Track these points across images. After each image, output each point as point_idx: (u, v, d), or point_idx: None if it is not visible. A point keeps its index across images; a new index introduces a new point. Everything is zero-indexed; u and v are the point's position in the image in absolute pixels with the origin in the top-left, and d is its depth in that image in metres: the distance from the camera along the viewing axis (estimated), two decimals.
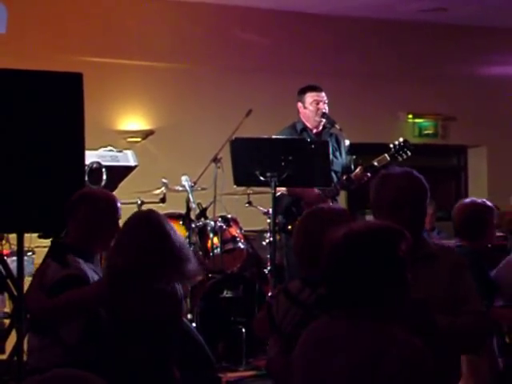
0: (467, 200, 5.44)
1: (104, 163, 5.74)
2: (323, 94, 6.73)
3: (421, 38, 9.94)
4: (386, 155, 6.60)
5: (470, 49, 10.07)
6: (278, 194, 6.36)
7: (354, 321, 2.69)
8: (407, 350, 2.59)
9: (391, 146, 6.63)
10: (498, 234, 6.94)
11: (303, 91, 6.77)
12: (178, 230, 6.69)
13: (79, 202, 4.10)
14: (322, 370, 2.71)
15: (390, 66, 9.72)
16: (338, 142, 6.79)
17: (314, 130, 6.74)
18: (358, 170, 6.60)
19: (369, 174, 6.58)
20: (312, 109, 6.69)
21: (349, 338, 2.69)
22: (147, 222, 3.95)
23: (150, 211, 4.16)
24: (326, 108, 6.70)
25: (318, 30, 9.50)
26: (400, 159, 6.67)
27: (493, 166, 10.38)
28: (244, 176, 6.15)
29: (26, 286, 5.13)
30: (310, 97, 6.72)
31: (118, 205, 4.19)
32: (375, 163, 6.58)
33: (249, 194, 7.08)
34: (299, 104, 6.77)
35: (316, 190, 6.55)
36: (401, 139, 6.68)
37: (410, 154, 6.65)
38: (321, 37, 9.50)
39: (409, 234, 2.75)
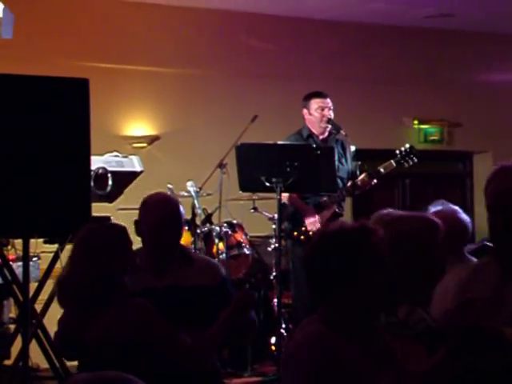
0: None
1: (110, 169, 5.74)
2: (328, 100, 6.74)
3: (427, 44, 9.94)
4: (392, 161, 6.61)
5: (476, 55, 10.07)
6: (283, 200, 6.37)
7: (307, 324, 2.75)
8: (298, 341, 2.65)
9: (397, 152, 6.63)
10: None
11: (308, 98, 6.78)
12: (184, 236, 6.74)
13: None
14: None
15: (396, 72, 9.72)
16: (344, 148, 6.79)
17: (320, 137, 6.75)
18: (363, 175, 6.60)
19: (375, 180, 6.59)
20: (317, 115, 6.70)
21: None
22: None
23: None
24: (332, 114, 6.70)
25: (324, 36, 9.51)
26: (406, 165, 6.67)
27: None
28: (249, 182, 6.16)
29: (31, 292, 5.14)
30: (315, 103, 6.73)
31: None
32: (381, 169, 6.59)
33: (254, 200, 7.08)
34: (304, 110, 6.78)
35: (313, 217, 6.56)
36: (407, 145, 6.67)
37: (416, 160, 6.64)
38: (327, 43, 9.51)
39: (382, 231, 2.72)
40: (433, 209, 4.33)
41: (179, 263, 4.05)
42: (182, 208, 4.12)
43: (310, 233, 6.52)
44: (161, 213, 4.04)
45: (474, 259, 4.20)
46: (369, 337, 2.71)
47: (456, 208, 4.41)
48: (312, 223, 6.54)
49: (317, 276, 2.70)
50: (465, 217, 4.34)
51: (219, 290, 4.02)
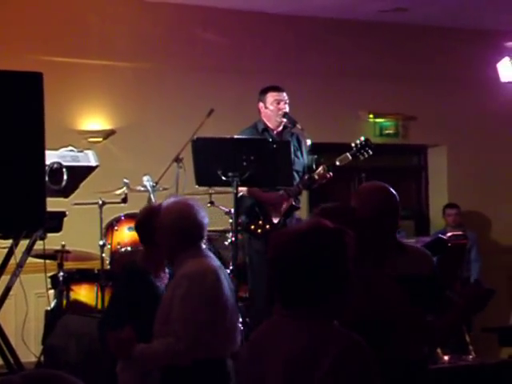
0: None
1: (65, 163, 5.70)
2: (284, 94, 6.77)
3: (381, 38, 9.99)
4: (348, 154, 6.65)
5: (430, 49, 10.14)
6: (240, 194, 6.37)
7: (293, 320, 2.72)
8: (341, 346, 2.60)
9: (353, 145, 6.68)
10: (458, 232, 7.02)
11: (264, 91, 6.80)
12: None
13: None
14: (256, 369, 2.75)
15: (351, 65, 9.76)
16: (299, 142, 6.82)
17: (275, 130, 6.76)
18: (320, 169, 6.64)
19: (331, 173, 6.63)
20: (273, 109, 6.72)
21: (284, 338, 2.72)
22: None
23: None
24: (287, 108, 6.73)
25: (280, 30, 9.52)
26: (361, 158, 6.72)
27: (453, 165, 10.47)
28: (206, 176, 6.15)
29: None
30: (271, 96, 6.75)
31: None
32: (337, 162, 6.64)
33: (211, 194, 7.07)
34: (260, 104, 6.79)
35: (276, 196, 6.59)
36: (362, 138, 6.73)
37: (371, 152, 6.70)
38: (282, 37, 9.52)
39: (352, 232, 2.76)
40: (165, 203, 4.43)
41: (395, 251, 3.96)
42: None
43: (267, 226, 6.53)
44: (382, 201, 3.97)
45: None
46: None
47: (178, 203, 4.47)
48: (278, 203, 6.54)
49: (296, 278, 2.68)
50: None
51: (433, 279, 3.95)
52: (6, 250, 5.83)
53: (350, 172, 9.54)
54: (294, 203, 6.69)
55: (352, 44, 9.83)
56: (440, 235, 6.44)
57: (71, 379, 1.89)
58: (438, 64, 10.13)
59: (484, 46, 10.12)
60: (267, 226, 6.54)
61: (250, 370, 2.80)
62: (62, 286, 6.44)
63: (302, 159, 6.79)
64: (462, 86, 10.22)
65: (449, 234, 6.18)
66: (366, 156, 6.71)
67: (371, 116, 10.10)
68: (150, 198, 6.62)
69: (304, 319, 2.69)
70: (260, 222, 6.59)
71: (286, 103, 6.74)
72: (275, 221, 6.62)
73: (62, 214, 6.03)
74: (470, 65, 10.14)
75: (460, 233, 7.27)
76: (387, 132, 10.25)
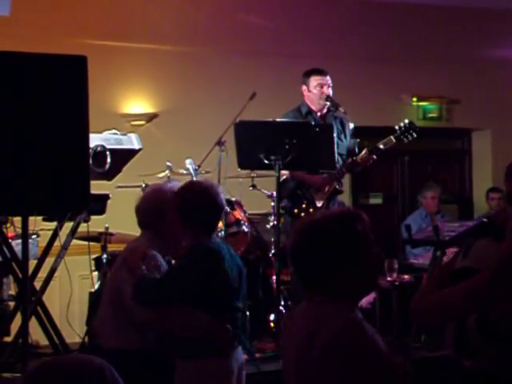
0: None
1: (108, 146, 5.76)
2: (328, 77, 6.74)
3: (425, 21, 9.89)
4: (392, 137, 6.63)
5: (475, 31, 10.02)
6: (283, 177, 6.37)
7: (309, 303, 2.79)
8: (337, 325, 2.64)
9: (397, 127, 6.65)
10: None
11: (308, 74, 6.78)
12: None
13: None
14: (283, 352, 2.92)
15: (394, 49, 9.68)
16: (343, 125, 6.80)
17: (319, 113, 6.75)
18: (363, 152, 6.62)
19: (374, 157, 6.61)
20: (316, 92, 6.71)
21: (296, 320, 2.81)
22: None
23: None
24: (331, 92, 6.70)
25: (323, 13, 9.46)
26: (405, 141, 6.69)
27: (497, 150, 10.36)
28: (248, 159, 6.16)
29: (30, 269, 5.15)
30: (314, 80, 6.73)
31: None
32: (381, 145, 6.62)
33: (253, 177, 7.08)
34: (303, 87, 6.78)
35: (320, 178, 6.58)
36: (406, 121, 6.70)
37: (415, 135, 6.67)
38: (325, 20, 9.46)
39: (366, 216, 2.82)
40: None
41: None
42: None
43: (311, 209, 6.53)
44: None
45: None
46: None
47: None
48: (323, 185, 6.53)
49: (310, 263, 2.75)
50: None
51: None
52: (50, 233, 5.91)
53: (393, 155, 9.49)
54: (337, 187, 6.68)
55: (396, 27, 9.75)
56: (483, 219, 6.37)
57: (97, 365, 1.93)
58: (483, 47, 10.02)
59: None
60: (311, 210, 6.53)
61: (281, 353, 2.89)
62: (105, 268, 6.49)
63: (345, 142, 6.77)
64: (508, 69, 10.11)
65: None
66: (410, 139, 6.68)
67: (415, 99, 10.03)
68: None
69: (318, 303, 2.75)
70: (304, 206, 6.58)
71: (329, 87, 6.72)
72: (319, 204, 6.61)
73: (106, 197, 6.09)
74: None
75: None
76: (431, 115, 10.19)
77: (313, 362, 2.63)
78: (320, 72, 6.76)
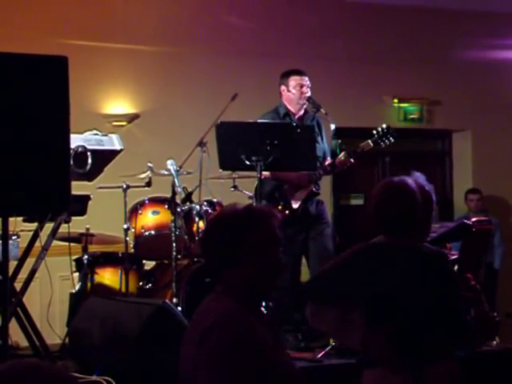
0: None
1: (89, 147, 5.74)
2: (307, 78, 6.76)
3: (406, 23, 9.93)
4: (370, 141, 6.65)
5: (455, 33, 10.08)
6: (263, 177, 6.38)
7: (211, 294, 2.88)
8: (216, 315, 2.71)
9: (374, 132, 6.66)
10: (482, 218, 6.98)
11: (287, 75, 6.79)
12: (164, 214, 6.73)
13: None
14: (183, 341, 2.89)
15: (375, 50, 9.72)
16: (320, 127, 6.82)
17: (297, 115, 6.76)
18: (341, 155, 6.63)
19: (352, 160, 6.62)
20: (295, 92, 6.71)
21: (197, 311, 2.89)
22: None
23: None
24: (309, 93, 6.71)
25: (304, 14, 9.48)
26: (383, 145, 6.71)
27: (477, 151, 10.41)
28: (229, 160, 6.16)
29: (10, 270, 5.13)
30: (293, 80, 6.74)
31: None
32: (358, 149, 6.63)
33: (234, 178, 7.08)
34: (282, 87, 6.79)
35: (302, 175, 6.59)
36: (384, 125, 6.71)
37: (393, 140, 6.68)
38: (306, 21, 9.48)
39: (279, 215, 2.92)
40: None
41: None
42: None
43: (287, 211, 6.54)
44: None
45: None
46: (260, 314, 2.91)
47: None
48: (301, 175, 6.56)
49: (210, 251, 2.86)
50: None
51: None
52: (31, 233, 5.89)
53: (374, 157, 9.52)
54: (314, 189, 6.70)
55: (376, 29, 9.78)
56: (464, 220, 6.40)
57: (53, 370, 1.91)
58: (463, 49, 10.07)
59: (510, 29, 10.05)
60: (287, 212, 6.55)
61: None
62: (86, 269, 6.48)
63: (322, 144, 6.78)
64: (488, 70, 10.16)
65: (473, 219, 6.13)
66: (388, 143, 6.70)
67: (396, 101, 10.05)
68: (173, 182, 6.63)
69: (217, 294, 2.83)
70: (279, 208, 6.59)
71: (308, 87, 6.73)
72: (295, 206, 6.62)
73: (87, 198, 6.07)
74: (495, 48, 10.07)
75: (485, 218, 7.23)
76: (412, 117, 10.22)
77: (192, 348, 2.70)
78: (299, 72, 6.78)
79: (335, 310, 3.65)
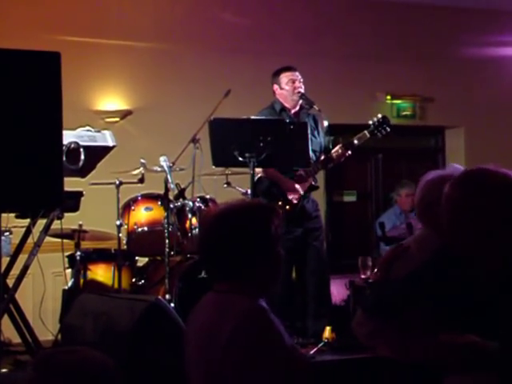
0: None
1: (82, 143, 5.73)
2: (298, 73, 6.76)
3: (399, 19, 9.94)
4: (366, 132, 6.67)
5: (448, 29, 10.09)
6: (258, 176, 6.38)
7: (215, 294, 2.84)
8: (242, 313, 2.67)
9: (370, 122, 6.69)
10: None
11: (278, 73, 6.80)
12: (157, 211, 6.73)
13: None
14: (187, 341, 2.87)
15: (368, 46, 9.72)
16: (316, 122, 6.82)
17: (292, 111, 6.76)
18: (337, 147, 6.64)
19: (349, 152, 6.63)
20: (288, 88, 6.71)
21: (201, 312, 2.85)
22: None
23: None
24: (303, 87, 6.71)
25: (298, 11, 9.48)
26: (379, 135, 6.73)
27: (470, 147, 10.42)
28: (223, 156, 6.16)
29: (3, 267, 5.12)
30: (285, 77, 6.74)
31: None
32: (355, 141, 6.65)
33: (227, 175, 7.08)
34: (275, 86, 6.78)
35: (292, 185, 6.57)
36: (379, 115, 6.75)
37: (389, 130, 6.71)
38: (300, 17, 9.48)
39: (281, 212, 2.88)
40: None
41: None
42: None
43: (287, 207, 6.53)
44: None
45: None
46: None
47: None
48: (294, 191, 6.54)
49: (221, 255, 2.78)
50: None
51: None
52: (23, 230, 5.88)
53: (366, 153, 9.52)
54: (312, 183, 6.69)
55: (370, 25, 9.78)
56: None
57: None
58: (456, 45, 10.08)
59: (501, 26, 10.06)
60: (287, 207, 6.54)
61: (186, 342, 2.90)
62: (79, 265, 6.47)
63: (318, 138, 6.78)
64: (481, 66, 10.17)
65: None
66: (384, 133, 6.72)
67: (388, 97, 10.06)
68: (166, 179, 6.63)
69: (224, 293, 2.80)
70: (280, 203, 6.58)
71: (300, 82, 6.73)
72: (295, 201, 6.60)
73: (79, 194, 6.06)
74: (487, 45, 10.08)
75: None
76: (404, 113, 10.22)
77: (218, 349, 2.65)
78: (289, 68, 6.78)
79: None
